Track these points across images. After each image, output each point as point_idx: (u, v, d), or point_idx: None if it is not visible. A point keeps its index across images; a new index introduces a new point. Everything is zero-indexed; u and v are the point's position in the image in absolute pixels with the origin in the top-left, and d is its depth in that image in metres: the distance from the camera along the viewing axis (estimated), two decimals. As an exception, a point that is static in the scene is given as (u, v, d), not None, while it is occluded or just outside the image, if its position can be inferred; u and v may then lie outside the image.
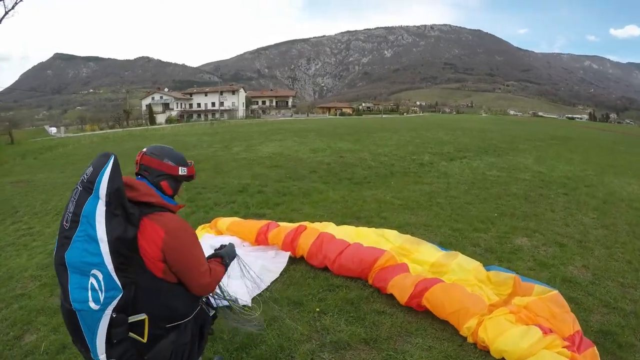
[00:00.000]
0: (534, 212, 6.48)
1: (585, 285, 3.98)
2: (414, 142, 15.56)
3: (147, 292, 1.69)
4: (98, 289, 1.56)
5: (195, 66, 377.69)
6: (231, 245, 2.30)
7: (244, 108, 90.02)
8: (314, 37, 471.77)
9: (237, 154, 13.73)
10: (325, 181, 8.81)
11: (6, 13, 25.30)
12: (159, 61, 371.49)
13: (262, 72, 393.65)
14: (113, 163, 1.63)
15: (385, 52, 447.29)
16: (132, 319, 1.65)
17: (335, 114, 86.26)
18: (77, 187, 1.67)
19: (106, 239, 1.56)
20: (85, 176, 1.65)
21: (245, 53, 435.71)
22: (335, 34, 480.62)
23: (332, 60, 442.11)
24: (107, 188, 1.58)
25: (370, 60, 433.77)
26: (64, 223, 1.66)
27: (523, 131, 26.43)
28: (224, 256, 2.16)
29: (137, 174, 1.93)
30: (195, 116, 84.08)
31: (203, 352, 2.16)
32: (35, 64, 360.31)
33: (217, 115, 77.51)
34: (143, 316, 1.68)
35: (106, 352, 1.62)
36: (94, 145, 24.89)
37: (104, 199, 1.57)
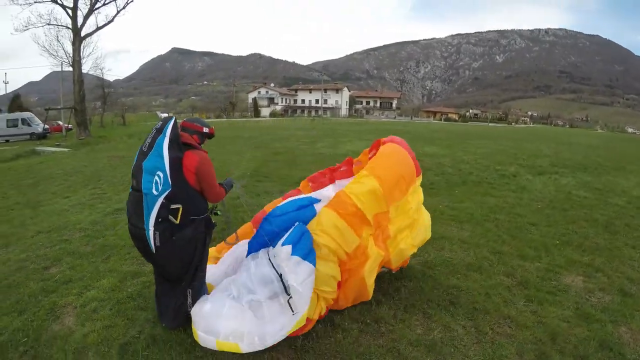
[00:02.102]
0: (609, 245, 5.21)
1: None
2: (507, 152, 14.24)
3: (182, 192, 2.78)
4: (159, 183, 2.69)
5: (305, 64, 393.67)
6: (229, 179, 3.45)
7: (347, 107, 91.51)
8: (423, 40, 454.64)
9: (318, 149, 14.28)
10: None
11: (118, 12, 29.18)
12: (270, 58, 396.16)
13: (371, 73, 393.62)
14: (174, 121, 2.87)
15: (497, 57, 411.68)
16: (172, 206, 2.74)
17: (440, 119, 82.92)
18: (153, 130, 2.86)
19: (168, 156, 2.71)
20: (158, 125, 2.87)
21: (354, 53, 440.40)
22: (446, 37, 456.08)
23: (441, 63, 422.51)
24: (170, 132, 2.78)
25: (481, 65, 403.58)
26: (143, 147, 2.86)
27: (637, 150, 22.19)
28: (224, 185, 3.27)
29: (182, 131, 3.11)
30: (298, 112, 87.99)
31: (209, 245, 3.24)
32: (154, 56, 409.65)
33: (319, 112, 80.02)
34: (179, 206, 2.77)
35: (154, 226, 2.74)
36: None
37: (168, 137, 2.75)
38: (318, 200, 3.56)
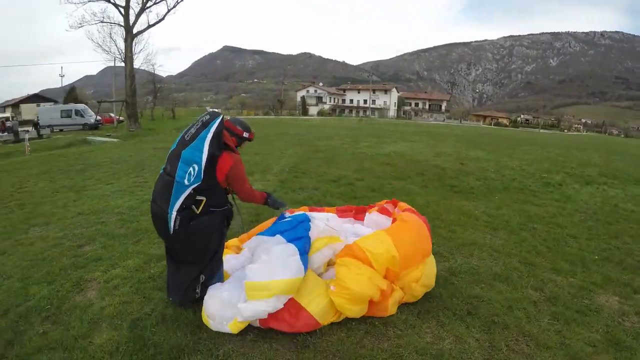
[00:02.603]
0: (653, 265, 4.65)
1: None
2: (555, 160, 13.40)
3: (209, 187, 2.99)
4: (192, 174, 2.87)
5: (355, 64, 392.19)
6: (281, 201, 3.69)
7: (396, 108, 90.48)
8: (475, 41, 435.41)
9: (360, 148, 14.32)
10: (424, 185, 8.58)
11: (168, 11, 30.75)
12: (320, 57, 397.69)
13: (421, 75, 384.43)
14: (221, 119, 3.05)
15: (550, 60, 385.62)
16: (198, 197, 2.97)
17: (490, 124, 79.81)
18: (198, 122, 3.05)
19: (207, 151, 2.87)
20: (204, 119, 3.04)
21: (404, 54, 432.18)
22: (497, 39, 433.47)
23: (493, 66, 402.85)
24: (215, 129, 2.95)
25: (534, 68, 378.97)
26: (185, 136, 3.04)
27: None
28: (270, 196, 3.56)
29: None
30: (346, 111, 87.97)
31: (226, 236, 3.43)
32: (206, 54, 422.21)
33: (367, 113, 79.65)
34: (203, 198, 3.00)
35: (176, 212, 2.92)
36: None
37: (212, 133, 2.92)
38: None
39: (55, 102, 52.75)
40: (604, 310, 3.49)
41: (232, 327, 2.87)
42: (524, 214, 6.55)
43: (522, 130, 55.04)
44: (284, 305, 2.93)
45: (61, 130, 32.70)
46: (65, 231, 5.50)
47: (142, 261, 4.33)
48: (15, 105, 60.81)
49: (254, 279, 2.93)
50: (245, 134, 3.32)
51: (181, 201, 2.90)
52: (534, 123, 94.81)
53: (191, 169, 2.87)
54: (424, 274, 3.44)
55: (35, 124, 30.92)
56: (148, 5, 29.23)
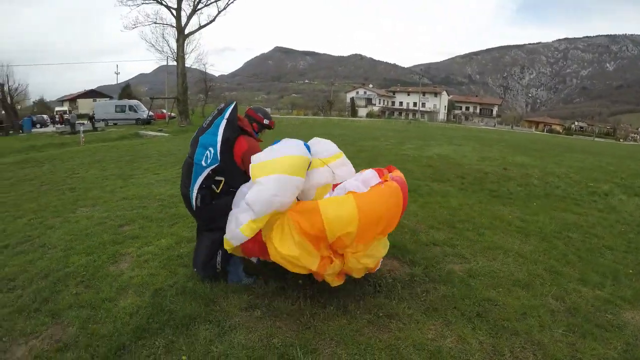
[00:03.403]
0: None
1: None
2: (605, 169, 12.51)
3: (228, 168, 3.28)
4: (209, 157, 3.19)
5: (406, 66, 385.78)
6: None
7: (446, 111, 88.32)
8: (528, 44, 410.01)
9: (403, 150, 14.35)
10: (463, 188, 8.47)
11: (219, 13, 31.77)
12: (371, 59, 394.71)
13: (474, 78, 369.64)
14: (234, 106, 3.38)
15: (607, 64, 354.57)
16: (217, 177, 3.29)
17: (543, 130, 75.65)
18: (215, 111, 3.43)
19: (221, 135, 3.20)
20: (220, 106, 3.41)
21: (456, 57, 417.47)
22: (552, 41, 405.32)
23: (547, 70, 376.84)
24: (229, 115, 3.30)
25: (590, 73, 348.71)
26: (204, 124, 3.43)
27: None
28: None
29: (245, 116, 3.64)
30: (396, 114, 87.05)
31: None
32: (258, 54, 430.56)
33: (417, 116, 78.43)
34: (222, 179, 3.30)
35: (197, 190, 3.26)
36: (290, 126, 29.52)
37: (225, 119, 3.26)
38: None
39: (111, 97, 56.60)
40: (628, 328, 3.30)
41: (243, 230, 2.95)
42: (560, 221, 6.27)
43: (575, 138, 51.71)
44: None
45: (115, 124, 35.15)
46: (109, 212, 6.13)
47: (174, 241, 4.77)
48: (73, 99, 66.21)
49: (258, 160, 3.10)
50: (266, 121, 3.64)
51: (200, 181, 3.24)
52: (588, 131, 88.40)
53: (207, 152, 3.23)
54: (365, 251, 3.19)
55: (91, 118, 33.46)
56: (199, 7, 30.76)
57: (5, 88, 33.48)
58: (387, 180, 3.45)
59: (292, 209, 3.04)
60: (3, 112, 33.95)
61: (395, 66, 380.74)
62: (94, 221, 5.65)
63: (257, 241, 3.08)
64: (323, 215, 2.94)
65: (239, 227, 2.95)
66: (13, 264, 4.19)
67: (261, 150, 3.30)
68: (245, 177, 3.29)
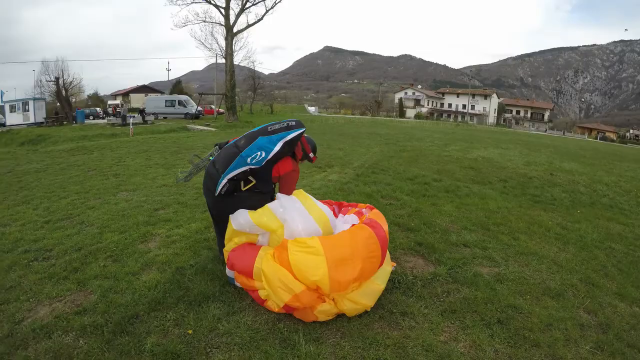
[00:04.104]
0: None
1: None
2: None
3: (263, 175, 3.45)
4: (256, 158, 3.29)
5: (456, 68, 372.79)
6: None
7: (495, 115, 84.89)
8: (582, 46, 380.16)
9: (448, 151, 14.14)
10: (504, 191, 8.12)
11: (266, 12, 32.41)
12: (421, 60, 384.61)
13: (525, 81, 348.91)
14: (301, 132, 3.48)
15: None
16: (250, 177, 3.42)
17: (596, 137, 70.57)
18: (285, 123, 3.48)
19: (278, 148, 3.33)
20: (292, 124, 3.48)
21: (508, 58, 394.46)
22: (607, 43, 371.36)
23: (602, 74, 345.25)
24: (294, 136, 3.41)
25: None
26: (269, 127, 3.46)
27: None
28: None
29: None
30: (444, 116, 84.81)
31: None
32: (307, 53, 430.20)
33: (466, 118, 76.10)
34: (253, 181, 3.44)
35: (228, 180, 3.31)
36: (336, 125, 29.62)
37: (289, 138, 3.38)
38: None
39: (162, 93, 59.26)
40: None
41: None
42: (604, 231, 5.79)
43: (630, 147, 47.87)
44: None
45: (165, 117, 36.90)
46: (147, 197, 6.48)
47: (204, 226, 4.98)
48: (126, 94, 70.07)
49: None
50: (311, 154, 3.79)
51: (235, 172, 3.33)
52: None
53: (259, 153, 3.33)
54: (360, 289, 3.06)
55: (142, 111, 35.11)
56: (247, 6, 31.61)
57: (61, 81, 35.83)
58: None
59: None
60: (58, 104, 36.46)
61: (445, 67, 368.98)
62: (132, 204, 5.99)
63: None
64: (293, 267, 2.92)
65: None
66: (51, 237, 4.57)
67: (298, 175, 3.71)
68: (271, 186, 3.62)
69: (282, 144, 3.35)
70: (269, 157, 3.31)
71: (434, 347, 2.77)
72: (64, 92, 36.36)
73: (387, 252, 3.47)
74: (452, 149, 14.95)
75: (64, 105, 35.48)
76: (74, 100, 43.73)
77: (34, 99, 35.50)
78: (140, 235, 4.59)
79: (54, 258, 3.98)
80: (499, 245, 4.83)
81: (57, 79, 35.75)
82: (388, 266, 3.47)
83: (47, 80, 37.62)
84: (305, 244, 3.01)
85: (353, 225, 3.52)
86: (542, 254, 4.62)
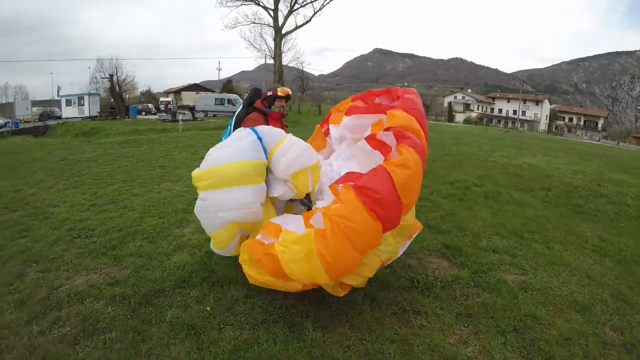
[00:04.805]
0: None
1: None
2: None
3: None
4: (226, 133, 3.92)
5: (508, 72, 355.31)
6: None
7: (547, 122, 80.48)
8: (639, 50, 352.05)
9: (492, 158, 13.68)
10: (545, 200, 7.73)
11: (314, 13, 32.35)
12: (472, 63, 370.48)
13: (580, 87, 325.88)
14: (251, 90, 3.83)
15: None
16: None
17: None
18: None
19: (235, 116, 3.84)
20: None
21: (561, 63, 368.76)
22: None
23: None
24: (245, 99, 3.72)
25: None
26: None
27: None
28: None
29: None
30: (494, 121, 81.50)
31: None
32: (357, 55, 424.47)
33: (516, 124, 72.81)
34: None
35: None
36: None
37: (242, 103, 3.65)
38: None
39: (213, 91, 61.32)
40: None
41: (213, 245, 3.23)
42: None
43: None
44: None
45: (214, 115, 38.13)
46: (189, 188, 6.81)
47: None
48: (177, 92, 73.12)
49: (207, 163, 3.17)
50: (269, 93, 3.71)
51: None
52: None
53: (227, 129, 3.84)
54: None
55: (191, 108, 36.55)
56: (295, 8, 32.08)
57: (115, 78, 38.06)
58: (400, 153, 2.89)
59: (254, 246, 2.75)
60: (112, 99, 38.75)
61: (496, 71, 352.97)
62: (173, 193, 6.38)
63: None
64: (281, 262, 2.56)
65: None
66: (95, 218, 5.07)
67: (257, 122, 3.49)
68: None
69: (237, 111, 3.76)
70: (232, 125, 3.73)
71: (440, 347, 2.75)
72: (117, 88, 38.63)
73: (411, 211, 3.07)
74: (499, 155, 14.41)
75: (117, 100, 37.82)
76: (127, 96, 46.38)
77: (89, 94, 38.40)
78: (177, 221, 4.92)
79: (95, 236, 4.42)
80: (530, 253, 4.64)
81: (111, 75, 38.11)
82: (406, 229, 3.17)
83: (101, 77, 40.30)
84: (291, 248, 2.58)
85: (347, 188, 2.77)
86: (574, 265, 4.39)
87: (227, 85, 66.50)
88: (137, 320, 2.89)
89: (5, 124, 33.47)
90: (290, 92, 3.80)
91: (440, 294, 3.49)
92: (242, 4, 32.57)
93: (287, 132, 3.59)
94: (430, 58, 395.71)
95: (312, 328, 2.81)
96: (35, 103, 47.41)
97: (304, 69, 51.00)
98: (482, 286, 3.70)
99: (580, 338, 3.00)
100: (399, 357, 2.64)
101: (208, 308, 3.02)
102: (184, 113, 31.37)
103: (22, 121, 33.54)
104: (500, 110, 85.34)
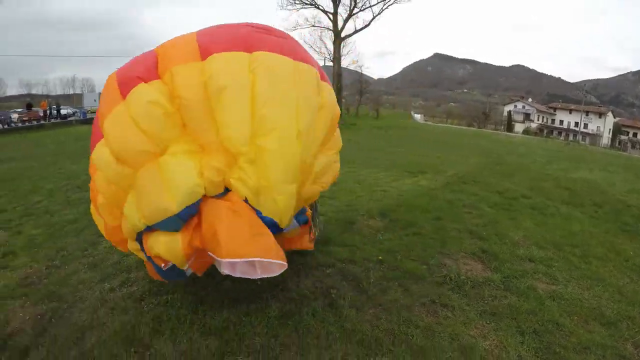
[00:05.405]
0: None
1: None
2: None
3: None
4: None
5: (572, 81, 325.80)
6: None
7: (610, 135, 73.37)
8: None
9: (547, 170, 13.10)
10: (594, 216, 7.34)
11: (373, 18, 31.78)
12: (534, 71, 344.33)
13: None
14: None
15: None
16: None
17: None
18: None
19: None
20: None
21: (627, 73, 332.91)
22: None
23: None
24: None
25: None
26: None
27: None
28: None
29: None
30: (555, 133, 75.84)
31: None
32: (417, 60, 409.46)
33: (577, 137, 67.35)
34: None
35: None
36: (439, 134, 29.19)
37: None
38: None
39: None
40: None
41: None
42: None
43: None
44: None
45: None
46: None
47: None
48: None
49: None
50: None
51: None
52: None
53: None
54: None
55: None
56: (354, 12, 31.73)
57: None
58: None
59: None
60: None
61: (559, 80, 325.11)
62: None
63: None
64: None
65: None
66: None
67: None
68: None
69: None
70: None
71: (460, 337, 2.95)
72: None
73: None
74: (554, 168, 13.66)
75: None
76: None
77: None
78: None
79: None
80: (566, 265, 4.57)
81: None
82: None
83: None
84: None
85: None
86: (609, 281, 4.27)
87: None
88: (196, 286, 3.40)
89: (74, 113, 36.18)
90: None
91: (469, 292, 3.64)
92: (302, 8, 32.58)
93: None
94: (491, 64, 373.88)
95: (347, 307, 3.12)
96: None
97: (363, 72, 50.49)
98: (511, 290, 3.79)
99: (599, 349, 3.01)
100: (421, 339, 2.89)
101: (259, 282, 3.37)
102: None
103: (90, 111, 35.48)
104: (561, 122, 78.95)
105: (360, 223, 5.50)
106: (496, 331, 3.07)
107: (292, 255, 3.96)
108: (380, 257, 4.08)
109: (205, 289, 3.42)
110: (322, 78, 2.89)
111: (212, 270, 3.54)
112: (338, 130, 3.09)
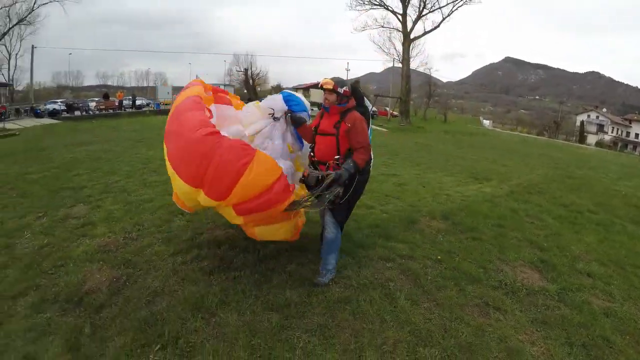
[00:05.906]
0: None
1: None
2: None
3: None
4: None
5: None
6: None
7: (687, 149, 63.77)
8: None
9: (616, 186, 11.71)
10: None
11: (443, 19, 30.06)
12: (610, 79, 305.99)
13: None
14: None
15: None
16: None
17: None
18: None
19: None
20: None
21: None
22: None
23: None
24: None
25: None
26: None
27: None
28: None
29: None
30: (630, 147, 67.81)
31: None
32: (487, 63, 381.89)
33: (653, 151, 59.55)
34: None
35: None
36: (509, 142, 27.42)
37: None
38: None
39: (340, 91, 62.13)
40: None
41: None
42: None
43: None
44: None
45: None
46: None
47: None
48: (307, 88, 75.36)
49: None
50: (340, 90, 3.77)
51: None
52: None
53: None
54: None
55: (319, 105, 37.65)
56: (424, 13, 30.49)
57: (249, 72, 40.62)
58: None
59: None
60: (245, 90, 42.10)
61: (637, 90, 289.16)
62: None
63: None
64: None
65: None
66: None
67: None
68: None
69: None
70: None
71: (508, 340, 3.03)
72: (251, 81, 41.36)
73: None
74: (625, 184, 12.31)
75: (250, 92, 40.90)
76: (259, 89, 50.08)
77: (224, 85, 41.90)
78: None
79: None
80: (626, 284, 4.31)
81: (245, 70, 41.00)
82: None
83: (237, 70, 43.45)
84: None
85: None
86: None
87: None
88: (263, 267, 3.77)
89: (148, 104, 38.78)
90: (328, 83, 3.55)
91: (523, 299, 3.66)
92: (371, 8, 31.82)
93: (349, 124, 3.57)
94: (564, 70, 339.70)
95: (403, 299, 3.33)
96: (175, 89, 50.42)
97: (432, 75, 48.71)
98: (565, 302, 3.73)
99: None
100: (471, 337, 3.03)
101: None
102: (312, 109, 33.07)
103: (163, 103, 37.90)
104: (637, 135, 70.04)
105: (422, 223, 5.57)
106: (545, 339, 3.11)
107: (356, 249, 4.25)
108: (439, 257, 4.22)
109: (271, 270, 3.78)
110: None
111: (280, 256, 3.88)
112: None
